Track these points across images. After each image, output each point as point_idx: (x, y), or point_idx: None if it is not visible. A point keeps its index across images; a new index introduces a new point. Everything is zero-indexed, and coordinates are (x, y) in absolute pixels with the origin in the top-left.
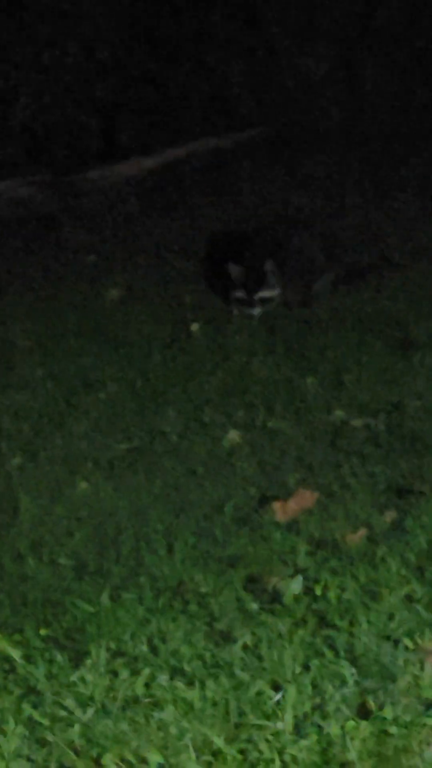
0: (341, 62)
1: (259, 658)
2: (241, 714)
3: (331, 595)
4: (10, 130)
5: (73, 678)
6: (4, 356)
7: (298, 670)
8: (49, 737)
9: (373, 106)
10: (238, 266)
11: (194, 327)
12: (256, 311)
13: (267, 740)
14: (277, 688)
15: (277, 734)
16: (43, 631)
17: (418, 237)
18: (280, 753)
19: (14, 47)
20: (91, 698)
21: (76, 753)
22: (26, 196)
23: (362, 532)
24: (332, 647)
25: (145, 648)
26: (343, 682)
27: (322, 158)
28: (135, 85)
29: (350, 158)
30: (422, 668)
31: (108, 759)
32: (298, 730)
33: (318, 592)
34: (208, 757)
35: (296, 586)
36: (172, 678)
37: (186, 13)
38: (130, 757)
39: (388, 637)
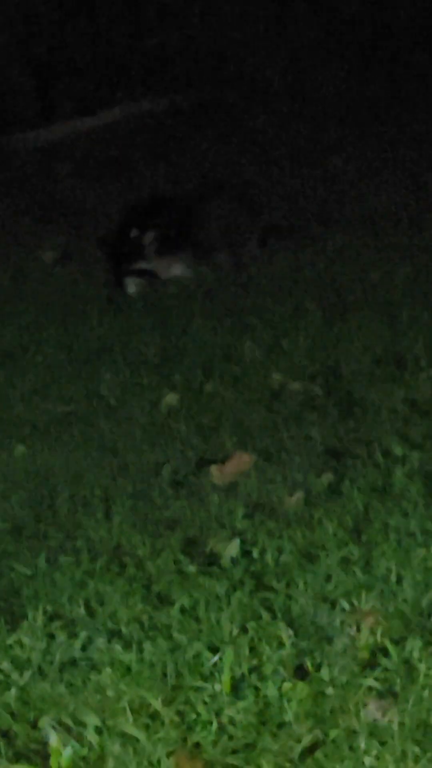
0: (277, 22)
1: (197, 620)
2: (179, 676)
3: (269, 557)
4: None
5: (10, 641)
6: None
7: (235, 632)
8: None
9: (309, 67)
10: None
11: (131, 289)
12: (131, 288)
13: (204, 702)
14: (214, 650)
15: (214, 696)
16: None
17: (355, 200)
18: (218, 714)
19: None
20: (28, 661)
21: (13, 716)
22: None
23: (299, 494)
24: (269, 609)
25: (82, 611)
26: (281, 644)
27: (259, 120)
28: (71, 46)
29: (287, 121)
30: (358, 629)
31: (45, 722)
32: (236, 692)
33: (255, 554)
34: (145, 719)
35: (234, 548)
36: (109, 640)
37: None
38: (68, 720)
39: (325, 599)
